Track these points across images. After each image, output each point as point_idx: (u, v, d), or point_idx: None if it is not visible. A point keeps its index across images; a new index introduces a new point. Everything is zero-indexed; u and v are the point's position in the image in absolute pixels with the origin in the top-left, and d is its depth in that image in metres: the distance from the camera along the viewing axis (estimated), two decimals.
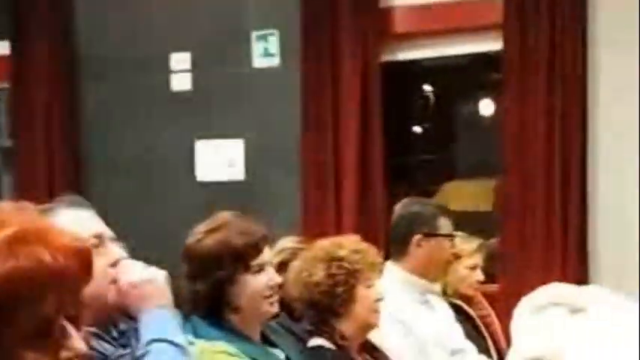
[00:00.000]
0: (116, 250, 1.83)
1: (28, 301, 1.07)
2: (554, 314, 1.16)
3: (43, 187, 4.88)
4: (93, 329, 1.66)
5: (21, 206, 1.21)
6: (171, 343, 1.71)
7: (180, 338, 1.77)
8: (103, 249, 1.75)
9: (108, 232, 1.84)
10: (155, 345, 1.69)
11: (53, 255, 1.10)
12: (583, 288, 1.23)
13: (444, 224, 3.14)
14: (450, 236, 3.15)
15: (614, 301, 1.18)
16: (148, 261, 3.24)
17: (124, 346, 1.76)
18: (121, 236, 3.81)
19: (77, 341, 1.13)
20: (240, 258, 2.26)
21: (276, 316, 2.97)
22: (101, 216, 4.72)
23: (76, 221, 1.67)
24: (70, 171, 5.01)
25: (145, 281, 1.79)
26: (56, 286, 1.10)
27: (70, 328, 1.13)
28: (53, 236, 1.13)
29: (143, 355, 1.68)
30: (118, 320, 1.81)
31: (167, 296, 1.83)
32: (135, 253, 3.69)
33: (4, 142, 5.53)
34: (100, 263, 1.63)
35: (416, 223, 3.13)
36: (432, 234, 3.12)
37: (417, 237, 3.11)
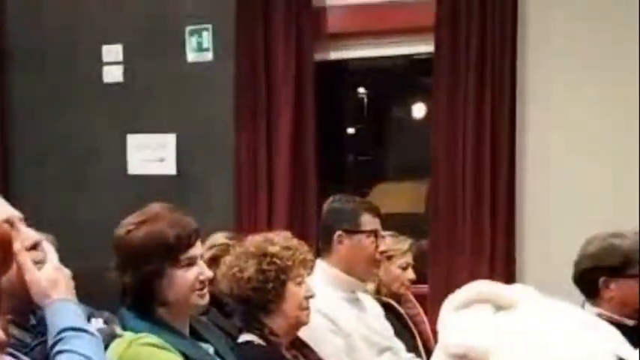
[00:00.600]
0: (30, 233, 1.76)
1: None
2: (480, 311, 1.17)
3: None
4: (11, 317, 1.62)
5: None
6: (82, 330, 1.68)
7: (91, 328, 1.74)
8: (16, 233, 1.67)
9: (17, 214, 1.76)
10: (67, 333, 1.65)
11: None
12: (508, 286, 1.23)
13: (367, 221, 3.11)
14: (373, 233, 3.12)
15: (546, 301, 1.19)
16: (79, 254, 3.18)
17: (42, 334, 1.71)
18: (50, 229, 3.75)
19: None
20: (170, 251, 2.22)
21: (206, 311, 2.95)
22: (31, 208, 4.60)
23: None
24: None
25: (53, 272, 1.73)
26: None
27: None
28: None
29: (56, 343, 1.64)
30: (36, 308, 1.76)
31: (72, 290, 1.78)
32: (65, 246, 3.64)
33: None
34: (15, 248, 1.58)
35: (337, 220, 3.12)
36: (353, 230, 3.10)
37: (338, 233, 3.10)
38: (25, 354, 1.64)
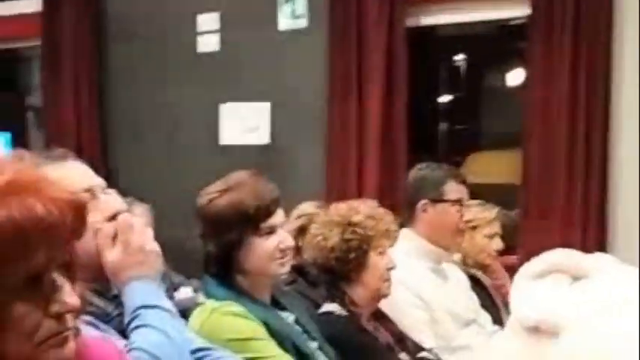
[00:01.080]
0: (110, 203, 1.75)
1: (19, 252, 1.05)
2: (555, 282, 1.13)
3: (70, 146, 4.89)
4: (93, 285, 1.63)
5: (16, 155, 1.18)
6: (156, 307, 1.67)
7: (167, 304, 1.72)
8: (95, 203, 1.68)
9: (99, 182, 1.75)
10: (141, 310, 1.66)
11: (46, 206, 1.07)
12: (586, 255, 1.18)
13: (452, 189, 3.06)
14: (458, 202, 3.06)
15: (626, 271, 1.13)
16: (172, 224, 3.24)
17: (123, 305, 1.71)
18: (143, 196, 3.83)
19: (69, 295, 1.11)
20: (250, 220, 2.22)
21: (293, 281, 2.97)
22: (128, 178, 4.73)
23: (68, 175, 1.60)
24: (96, 130, 5.04)
25: (129, 249, 1.72)
26: (48, 239, 1.08)
27: (62, 282, 1.11)
28: (46, 187, 1.10)
29: (131, 321, 1.65)
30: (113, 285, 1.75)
31: (152, 264, 1.75)
32: (160, 216, 3.73)
33: (35, 100, 5.59)
34: (93, 219, 1.57)
35: (422, 188, 3.08)
36: (437, 199, 3.06)
37: (422, 202, 3.06)
38: (106, 323, 1.66)
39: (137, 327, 1.64)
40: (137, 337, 1.61)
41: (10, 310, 1.06)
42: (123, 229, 1.72)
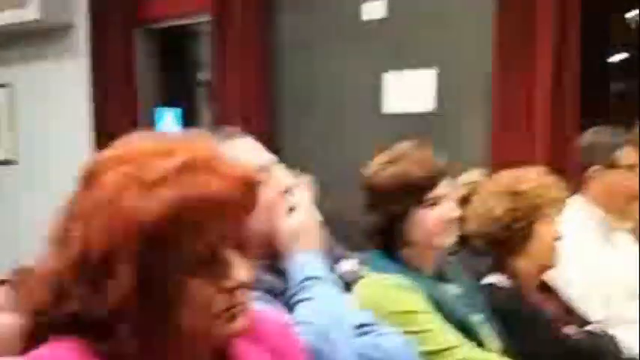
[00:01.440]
0: (282, 179, 1.80)
1: (193, 228, 1.09)
2: None
3: (237, 118, 5.02)
4: (261, 261, 1.67)
5: (190, 135, 1.23)
6: (324, 280, 1.71)
7: (331, 276, 1.76)
8: (267, 179, 1.72)
9: (271, 159, 1.80)
10: (307, 282, 1.69)
11: (219, 184, 1.11)
12: None
13: (627, 155, 2.94)
14: (633, 168, 2.92)
15: None
16: (336, 195, 3.28)
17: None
18: (308, 167, 3.89)
19: (241, 271, 1.15)
20: (416, 191, 2.21)
21: (456, 251, 2.94)
22: (291, 147, 4.80)
23: (239, 152, 1.64)
24: (263, 103, 5.10)
25: (299, 222, 1.77)
26: (221, 215, 1.12)
27: (235, 258, 1.15)
28: (220, 165, 1.14)
29: (296, 293, 1.69)
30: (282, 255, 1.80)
31: (317, 237, 1.80)
32: (321, 185, 3.78)
33: (206, 76, 5.75)
34: (266, 195, 1.62)
35: (594, 154, 2.97)
36: (610, 165, 2.94)
37: (594, 168, 2.96)
38: (274, 297, 1.69)
39: (303, 300, 1.67)
40: (302, 310, 1.65)
41: (185, 285, 1.10)
42: (306, 202, 1.79)
